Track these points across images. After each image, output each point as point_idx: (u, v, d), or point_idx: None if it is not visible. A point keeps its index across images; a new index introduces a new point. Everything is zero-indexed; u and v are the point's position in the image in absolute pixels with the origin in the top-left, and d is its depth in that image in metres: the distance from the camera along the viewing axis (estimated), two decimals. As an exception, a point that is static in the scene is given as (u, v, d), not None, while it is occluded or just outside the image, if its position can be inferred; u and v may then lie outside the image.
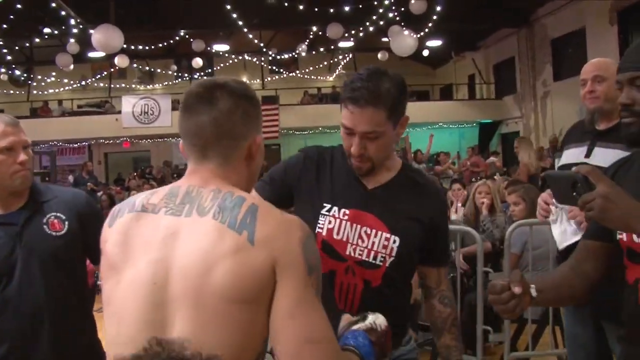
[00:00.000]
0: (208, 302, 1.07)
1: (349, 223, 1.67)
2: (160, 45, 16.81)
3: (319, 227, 1.68)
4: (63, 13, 12.84)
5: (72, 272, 1.91)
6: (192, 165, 1.23)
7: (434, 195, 1.79)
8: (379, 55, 16.03)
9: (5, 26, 12.68)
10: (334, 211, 1.69)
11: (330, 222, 1.68)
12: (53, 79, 18.92)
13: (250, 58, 19.40)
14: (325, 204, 1.70)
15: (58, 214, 1.87)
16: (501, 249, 4.11)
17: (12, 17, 11.99)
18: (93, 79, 19.09)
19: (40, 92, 19.49)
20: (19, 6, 11.10)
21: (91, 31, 10.48)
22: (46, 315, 1.78)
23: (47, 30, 15.06)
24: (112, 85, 19.76)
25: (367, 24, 13.94)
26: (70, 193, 2.04)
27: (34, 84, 19.40)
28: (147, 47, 16.64)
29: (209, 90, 1.22)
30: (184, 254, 1.11)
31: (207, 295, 1.07)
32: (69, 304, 1.87)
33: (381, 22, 13.42)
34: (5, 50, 16.28)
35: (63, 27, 14.14)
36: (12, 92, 19.14)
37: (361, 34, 14.82)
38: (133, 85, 19.98)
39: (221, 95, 1.21)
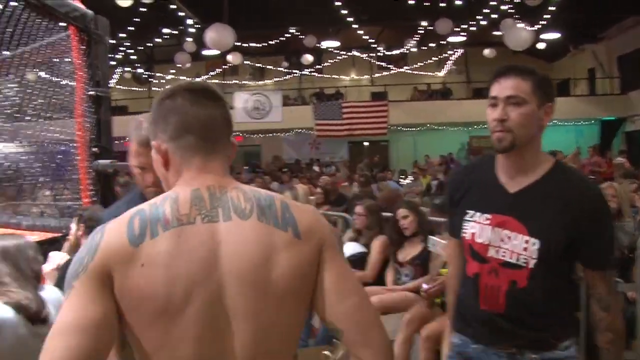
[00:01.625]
0: (270, 303, 1.10)
1: (490, 227, 1.77)
2: (271, 42, 17.17)
3: (463, 233, 1.84)
4: (181, 14, 13.47)
5: None
6: (198, 161, 1.17)
7: (586, 198, 1.74)
8: (486, 52, 15.43)
9: (130, 28, 13.47)
10: (477, 216, 1.81)
11: (473, 227, 1.81)
12: (171, 76, 19.94)
13: (359, 54, 19.35)
14: (468, 211, 1.84)
15: None
16: (630, 257, 3.80)
17: (135, 19, 12.71)
18: (207, 76, 19.86)
19: (159, 89, 20.56)
20: (142, 9, 11.71)
21: (206, 30, 10.89)
22: None
23: (166, 30, 15.87)
24: (224, 82, 20.48)
25: (478, 17, 13.42)
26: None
27: (155, 81, 20.55)
28: (258, 45, 17.07)
29: (209, 89, 1.22)
30: (237, 261, 1.09)
31: (269, 297, 1.09)
32: None
33: (493, 16, 12.87)
34: (130, 51, 17.33)
35: (181, 28, 14.84)
36: (135, 89, 20.36)
37: (472, 28, 14.30)
38: (244, 82, 20.59)
39: (219, 95, 1.22)
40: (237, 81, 20.43)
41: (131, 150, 1.84)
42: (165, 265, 1.05)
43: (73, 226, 3.07)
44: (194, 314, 1.06)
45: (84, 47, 4.51)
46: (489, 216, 1.78)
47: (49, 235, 4.33)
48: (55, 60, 4.81)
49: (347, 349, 1.21)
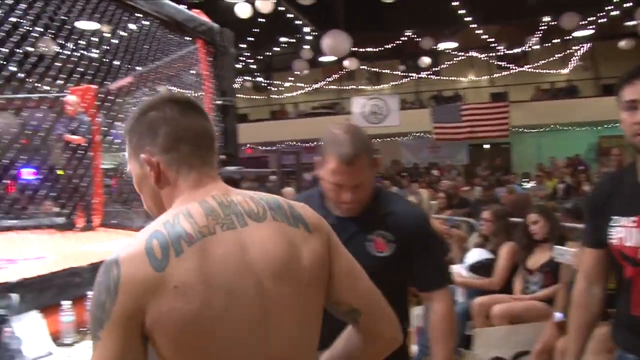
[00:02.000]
0: (302, 296, 1.12)
1: (637, 229, 1.71)
2: (387, 46, 17.11)
3: (610, 239, 1.77)
4: (297, 22, 13.78)
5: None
6: (196, 171, 1.14)
7: None
8: (622, 43, 14.33)
9: (250, 39, 13.98)
10: (622, 221, 1.76)
11: (619, 232, 1.75)
12: (289, 84, 20.43)
13: (477, 54, 18.77)
14: (612, 217, 1.78)
15: (386, 233, 1.77)
16: None
17: (254, 30, 13.16)
18: (324, 82, 20.13)
19: (278, 97, 21.25)
20: (260, 20, 12.11)
21: (322, 37, 11.05)
22: None
23: (283, 39, 16.30)
24: (342, 87, 20.65)
25: (608, 8, 12.53)
26: (407, 211, 1.87)
27: (273, 89, 21.18)
28: (374, 49, 17.07)
29: (194, 101, 1.20)
30: (268, 261, 1.09)
31: (301, 290, 1.12)
32: None
33: (625, 5, 11.96)
34: (250, 60, 17.99)
35: (297, 36, 15.17)
36: (254, 97, 21.10)
37: (601, 20, 13.37)
38: (361, 87, 20.66)
39: (202, 107, 1.21)
40: (354, 86, 20.53)
41: (329, 166, 1.74)
42: (200, 280, 1.00)
43: None
44: (238, 321, 1.03)
45: (211, 59, 4.71)
46: (634, 218, 1.72)
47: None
48: (184, 72, 5.06)
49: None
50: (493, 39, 17.05)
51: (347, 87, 20.58)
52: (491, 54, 18.31)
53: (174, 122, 1.14)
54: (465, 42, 17.46)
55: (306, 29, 14.48)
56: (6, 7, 3.03)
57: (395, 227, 1.78)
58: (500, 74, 19.68)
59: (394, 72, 19.81)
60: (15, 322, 2.41)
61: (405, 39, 16.46)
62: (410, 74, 19.74)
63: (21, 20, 3.15)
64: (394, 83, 20.26)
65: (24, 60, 3.19)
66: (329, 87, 20.68)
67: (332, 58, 13.44)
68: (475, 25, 14.59)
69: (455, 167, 17.09)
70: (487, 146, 19.52)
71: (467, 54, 18.71)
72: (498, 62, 19.06)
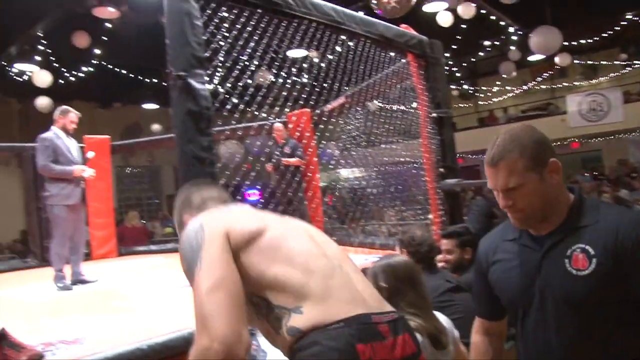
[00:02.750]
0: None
1: None
2: (604, 35, 15.60)
3: None
4: (502, 23, 13.22)
5: (597, 323, 1.51)
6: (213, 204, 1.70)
7: None
8: None
9: (453, 46, 13.76)
10: None
11: None
12: (496, 88, 19.67)
13: None
14: None
15: (586, 247, 1.50)
16: None
17: (457, 37, 12.92)
18: (534, 83, 19.02)
19: (485, 103, 20.56)
20: (462, 25, 11.85)
21: (529, 35, 10.46)
22: None
23: (487, 42, 15.77)
24: (553, 86, 19.33)
25: None
26: (617, 220, 1.52)
27: (480, 95, 20.55)
28: (588, 40, 15.68)
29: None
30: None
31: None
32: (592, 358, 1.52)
33: None
34: (454, 68, 17.71)
35: (502, 37, 14.57)
36: (461, 105, 20.68)
37: None
38: (575, 83, 19.12)
39: None
40: (567, 83, 19.08)
41: None
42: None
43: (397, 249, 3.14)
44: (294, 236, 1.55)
45: (422, 71, 4.70)
46: None
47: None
48: (397, 87, 5.11)
49: None
50: None
51: (560, 85, 19.21)
52: None
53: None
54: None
55: (511, 29, 13.84)
56: (228, 45, 3.31)
57: (599, 240, 1.48)
58: None
59: (614, 63, 17.96)
60: (260, 336, 2.56)
61: (625, 23, 14.84)
62: (634, 62, 17.73)
63: (241, 56, 3.43)
64: (614, 75, 18.38)
65: (244, 91, 3.46)
66: (540, 87, 19.48)
67: (542, 56, 12.62)
68: None
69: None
70: None
71: None
72: None
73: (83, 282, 4.94)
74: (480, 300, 1.82)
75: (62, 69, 12.59)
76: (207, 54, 3.06)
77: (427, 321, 2.17)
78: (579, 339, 1.50)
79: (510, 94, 19.80)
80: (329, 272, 1.43)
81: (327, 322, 1.32)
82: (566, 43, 12.31)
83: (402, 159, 5.45)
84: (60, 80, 12.60)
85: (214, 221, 1.48)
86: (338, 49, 4.34)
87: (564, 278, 1.49)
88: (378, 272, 2.21)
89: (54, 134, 4.92)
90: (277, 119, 6.83)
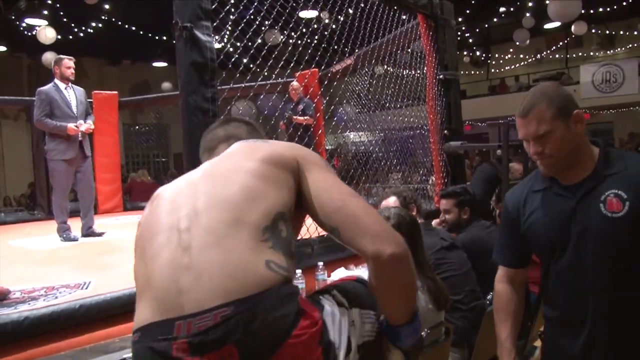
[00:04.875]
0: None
1: None
2: (623, 3, 15.27)
3: None
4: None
5: (633, 266, 1.63)
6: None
7: None
8: None
9: (467, 11, 13.54)
10: None
11: None
12: (509, 56, 19.39)
13: None
14: None
15: (619, 192, 1.64)
16: None
17: (473, 2, 12.71)
18: (548, 52, 18.73)
19: (497, 70, 20.31)
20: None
21: (547, 2, 10.27)
22: (592, 303, 1.65)
23: (502, 9, 15.49)
24: (568, 56, 19.05)
25: None
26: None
27: (492, 62, 20.29)
28: (607, 9, 15.37)
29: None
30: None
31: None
32: (627, 296, 1.63)
33: None
34: (467, 35, 17.46)
35: (518, 3, 14.30)
36: (472, 72, 20.44)
37: None
38: (591, 53, 18.82)
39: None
40: (583, 53, 18.78)
41: None
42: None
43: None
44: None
45: (432, 33, 4.64)
46: None
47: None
48: (405, 49, 5.06)
49: None
50: None
51: (575, 55, 18.91)
52: None
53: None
54: None
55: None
56: (241, 7, 3.30)
57: (630, 184, 1.63)
58: None
59: (632, 33, 17.62)
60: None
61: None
62: (651, 34, 17.39)
63: (253, 17, 3.41)
64: (631, 45, 18.06)
65: (257, 52, 3.45)
66: (554, 56, 19.18)
67: (557, 24, 12.40)
68: None
69: None
70: None
71: None
72: None
73: (92, 234, 5.01)
74: (507, 249, 1.91)
75: (71, 25, 12.52)
76: (213, 6, 3.05)
77: (426, 279, 2.20)
78: (614, 282, 1.62)
79: (523, 63, 19.54)
80: (164, 260, 1.16)
81: (134, 329, 1.15)
82: (583, 11, 12.08)
83: (408, 123, 5.43)
84: (69, 36, 12.54)
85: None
86: (350, 11, 4.29)
87: (600, 221, 1.62)
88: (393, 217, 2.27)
89: (53, 85, 4.92)
90: (289, 79, 6.80)
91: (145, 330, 1.10)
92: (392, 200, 3.12)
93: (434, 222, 3.51)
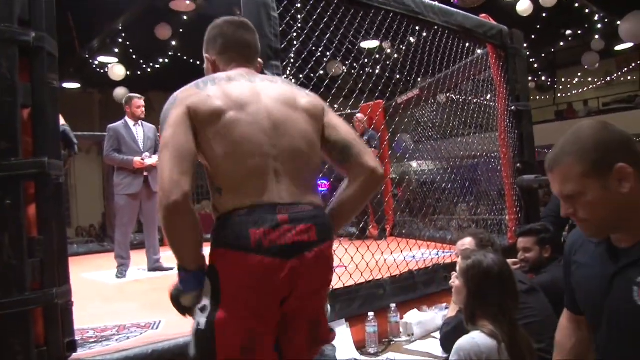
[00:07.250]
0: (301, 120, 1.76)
1: None
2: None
3: None
4: (587, 11, 12.59)
5: None
6: (236, 64, 1.80)
7: None
8: None
9: (532, 37, 13.24)
10: None
11: None
12: (577, 79, 18.80)
13: None
14: None
15: None
16: None
17: (538, 26, 12.41)
18: (619, 74, 18.03)
19: (564, 95, 19.69)
20: (543, 14, 11.37)
21: (618, 22, 9.90)
22: None
23: (569, 32, 15.07)
24: (641, 79, 18.28)
25: None
26: None
27: (559, 87, 19.71)
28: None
29: (243, 23, 1.84)
30: (272, 95, 1.70)
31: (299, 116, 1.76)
32: None
33: None
34: (532, 59, 17.06)
35: (586, 26, 13.88)
36: (537, 97, 19.93)
37: None
38: (665, 74, 18.00)
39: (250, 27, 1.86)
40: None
41: None
42: (224, 94, 1.61)
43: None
44: (250, 122, 1.60)
45: (502, 63, 4.51)
46: None
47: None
48: (474, 79, 4.93)
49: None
50: None
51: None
52: None
53: (237, 33, 1.81)
54: None
55: (596, 17, 13.14)
56: (304, 37, 3.28)
57: None
58: None
59: None
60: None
61: None
62: None
63: (315, 48, 3.39)
64: None
65: (319, 83, 3.41)
66: (625, 78, 18.44)
67: (629, 45, 11.93)
68: None
69: None
70: None
71: None
72: None
73: (159, 269, 5.06)
74: (565, 291, 1.67)
75: (140, 61, 13.01)
76: (282, 46, 3.03)
77: (504, 327, 2.01)
78: None
79: (592, 86, 18.87)
80: (260, 162, 1.56)
81: (236, 207, 1.52)
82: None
83: (476, 153, 5.27)
84: (137, 72, 13.04)
85: (186, 98, 1.59)
86: (412, 40, 4.22)
87: (628, 308, 1.31)
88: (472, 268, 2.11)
89: (122, 122, 5.11)
90: (350, 110, 6.78)
91: (253, 208, 1.52)
92: (467, 241, 2.99)
93: (509, 261, 3.32)
